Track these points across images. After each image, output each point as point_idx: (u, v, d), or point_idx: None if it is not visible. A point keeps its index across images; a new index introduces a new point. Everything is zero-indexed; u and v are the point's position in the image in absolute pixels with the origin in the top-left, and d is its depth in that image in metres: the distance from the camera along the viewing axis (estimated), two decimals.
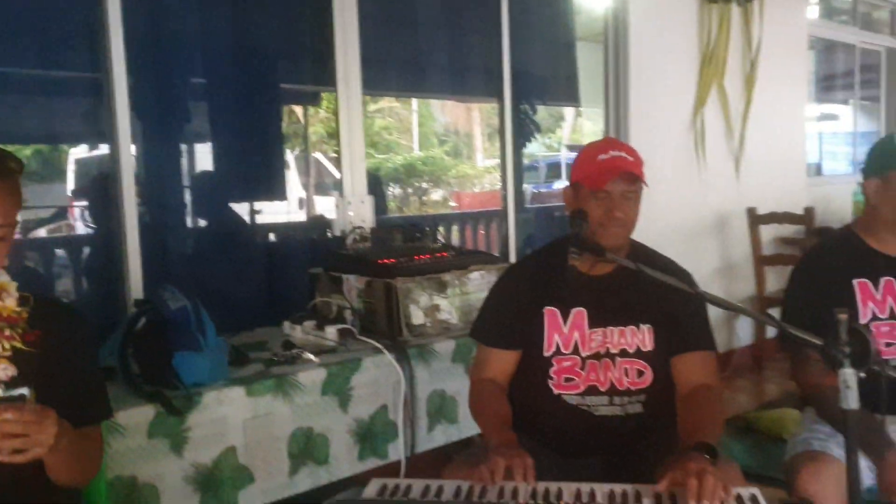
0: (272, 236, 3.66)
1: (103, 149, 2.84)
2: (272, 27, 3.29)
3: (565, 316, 2.01)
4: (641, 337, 1.99)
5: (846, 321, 1.31)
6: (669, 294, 1.87)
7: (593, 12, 4.51)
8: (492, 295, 2.20)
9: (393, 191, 13.07)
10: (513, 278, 2.17)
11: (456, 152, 16.39)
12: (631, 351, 1.99)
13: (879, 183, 2.18)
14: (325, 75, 3.35)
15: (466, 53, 3.97)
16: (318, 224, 3.76)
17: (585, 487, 1.66)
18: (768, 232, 5.04)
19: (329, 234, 3.48)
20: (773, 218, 4.83)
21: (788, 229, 5.05)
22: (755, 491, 1.64)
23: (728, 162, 4.89)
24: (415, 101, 14.06)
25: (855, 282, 2.16)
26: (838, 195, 5.72)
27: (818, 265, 2.27)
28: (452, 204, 13.27)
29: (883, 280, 2.15)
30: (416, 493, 1.70)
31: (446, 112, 17.09)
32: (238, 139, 3.25)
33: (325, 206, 9.33)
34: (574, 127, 16.85)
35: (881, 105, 6.72)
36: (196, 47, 3.05)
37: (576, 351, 2.00)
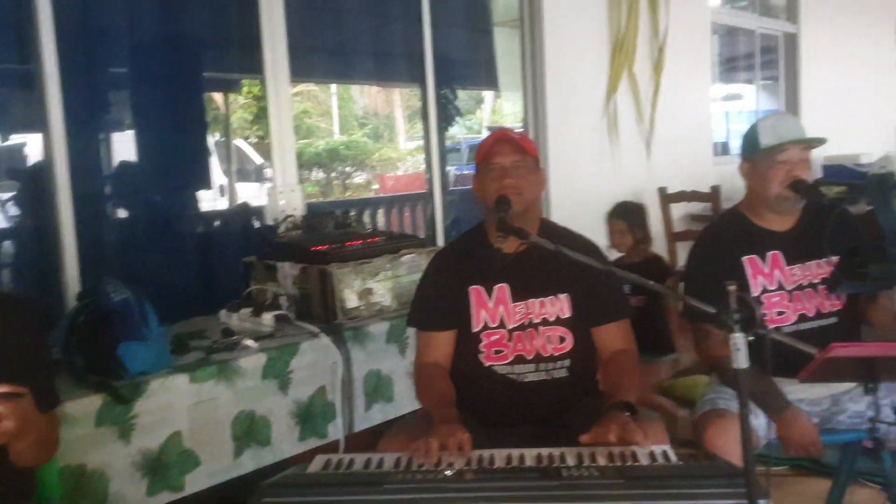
0: (204, 226, 3.70)
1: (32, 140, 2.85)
2: (198, 16, 3.34)
3: (489, 293, 2.18)
4: (560, 305, 2.17)
5: (734, 292, 1.49)
6: (582, 266, 2.06)
7: (510, 1, 4.66)
8: (422, 282, 2.36)
9: (316, 175, 13.03)
10: (439, 264, 2.33)
11: (377, 135, 16.41)
12: (551, 319, 2.16)
13: (750, 166, 2.42)
14: (252, 63, 3.41)
15: (389, 40, 4.09)
16: (249, 212, 3.82)
17: (515, 453, 1.82)
18: (678, 210, 5.31)
19: (258, 224, 3.55)
20: (682, 196, 5.10)
21: (697, 206, 5.34)
22: (667, 448, 1.83)
23: (639, 144, 5.14)
24: (334, 85, 14.04)
25: (744, 258, 2.37)
26: (738, 174, 6.04)
27: (711, 244, 2.49)
28: (375, 187, 13.33)
29: (769, 255, 2.37)
30: (359, 466, 1.82)
31: (366, 95, 17.07)
32: (164, 128, 3.30)
33: (248, 192, 9.27)
34: (494, 108, 17.08)
35: (780, 85, 7.11)
36: (124, 37, 3.08)
37: (502, 324, 2.16)
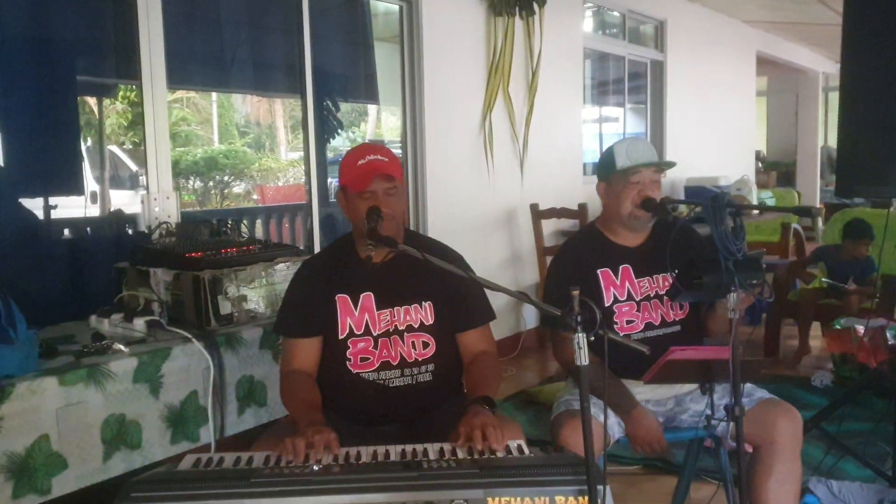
0: (75, 231, 3.63)
1: None
2: (74, 19, 3.30)
3: (355, 301, 2.28)
4: (424, 312, 2.29)
5: (578, 296, 1.65)
6: (445, 275, 2.19)
7: (390, 15, 4.78)
8: (289, 291, 2.44)
9: (193, 184, 12.72)
10: (306, 273, 2.41)
11: (258, 145, 16.16)
12: (416, 326, 2.28)
13: (605, 185, 2.62)
14: (129, 69, 3.39)
15: (269, 50, 4.12)
16: (123, 219, 3.77)
17: (381, 449, 1.92)
18: (549, 226, 5.55)
19: (130, 230, 3.52)
20: (553, 213, 5.34)
21: (567, 223, 5.60)
22: (521, 442, 1.98)
23: (514, 162, 5.35)
24: (215, 93, 13.77)
25: (599, 271, 2.57)
26: None
27: (569, 258, 2.68)
28: (255, 197, 13.12)
29: (621, 268, 2.58)
30: (228, 464, 1.88)
31: (248, 104, 16.79)
32: (33, 131, 3.22)
33: (121, 199, 8.98)
34: (377, 122, 17.16)
35: (647, 108, 7.54)
36: None
37: (367, 331, 2.26)
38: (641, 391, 2.52)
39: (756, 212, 6.95)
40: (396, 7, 4.67)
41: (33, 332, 2.36)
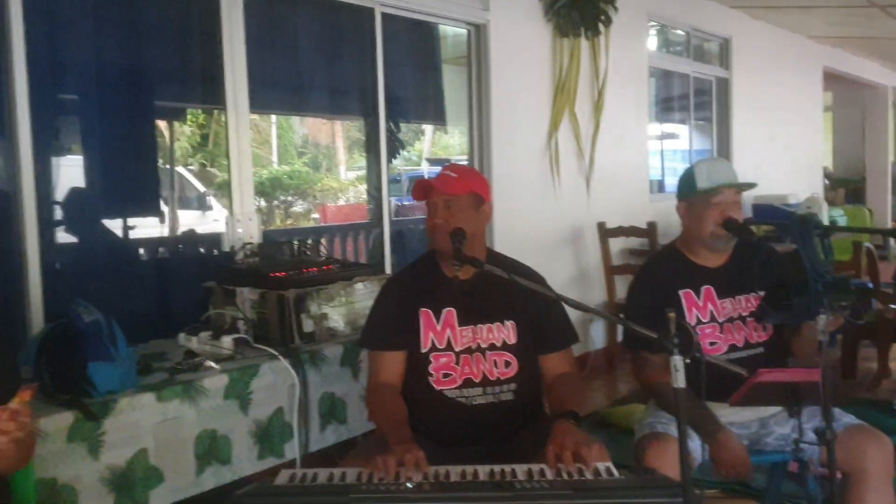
0: (161, 252, 3.77)
1: None
2: (157, 47, 3.44)
3: (437, 316, 2.33)
4: (506, 332, 2.33)
5: (675, 319, 1.66)
6: (529, 296, 2.24)
7: (458, 38, 4.85)
8: (374, 307, 2.50)
9: (258, 204, 13.04)
10: (391, 289, 2.48)
11: (315, 165, 16.45)
12: (498, 344, 2.31)
13: (686, 206, 2.63)
14: (212, 95, 3.52)
15: (344, 74, 4.23)
16: (207, 240, 3.90)
17: (469, 468, 1.95)
18: (616, 244, 5.53)
19: (215, 251, 3.63)
20: (621, 231, 5.33)
21: (634, 241, 5.58)
22: (609, 464, 1.99)
23: (580, 180, 5.36)
24: (273, 116, 14.08)
25: (681, 292, 2.57)
26: (673, 210, 6.31)
27: (651, 278, 2.69)
28: (315, 216, 13.35)
29: (703, 289, 2.57)
30: (323, 480, 1.93)
31: (306, 125, 17.12)
32: (115, 155, 3.35)
33: (189, 220, 9.23)
34: (434, 141, 17.32)
35: (713, 126, 7.47)
36: (90, 67, 3.15)
37: (449, 347, 2.30)
38: (725, 414, 2.50)
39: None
40: (465, 31, 4.73)
41: (132, 350, 2.46)
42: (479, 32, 4.71)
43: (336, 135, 17.40)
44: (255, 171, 13.05)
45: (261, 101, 3.73)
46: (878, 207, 11.35)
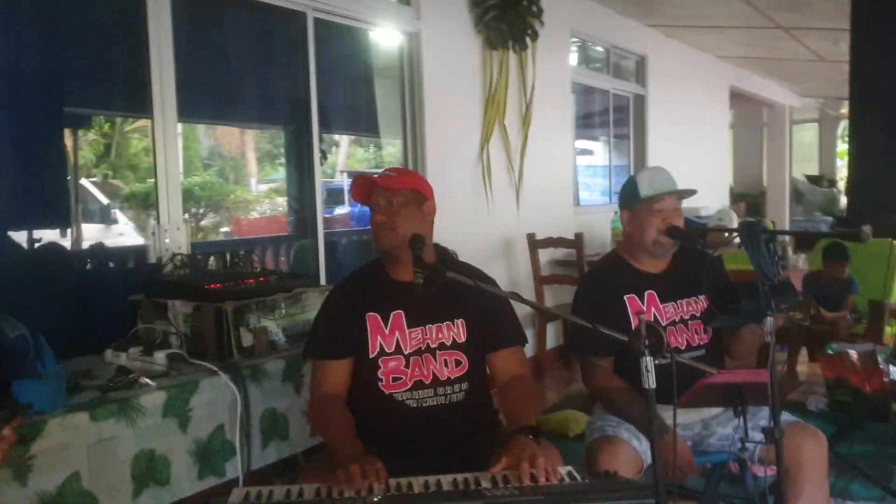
0: (81, 265, 3.58)
1: None
2: (72, 51, 3.28)
3: (385, 319, 2.28)
4: (456, 330, 2.30)
5: (646, 321, 1.67)
6: (477, 294, 2.22)
7: (390, 51, 4.82)
8: (319, 315, 2.44)
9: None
10: (335, 297, 2.42)
11: (222, 177, 16.03)
12: (448, 343, 2.28)
13: (629, 214, 2.68)
14: (138, 103, 3.37)
15: (275, 85, 4.13)
16: (131, 252, 3.73)
17: (432, 479, 1.91)
18: (545, 255, 5.61)
19: (130, 264, 3.49)
20: (549, 242, 5.40)
21: (562, 252, 5.66)
22: (570, 468, 1.99)
23: (510, 192, 5.41)
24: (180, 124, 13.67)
25: (625, 297, 2.61)
26: (597, 222, 6.48)
27: (596, 285, 2.72)
28: (224, 230, 12.99)
29: (646, 294, 2.62)
30: (280, 497, 1.86)
31: (213, 135, 16.69)
32: (21, 164, 3.17)
33: (93, 234, 8.83)
34: (349, 153, 17.16)
35: (630, 141, 7.67)
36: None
37: (398, 350, 2.26)
38: (669, 416, 2.53)
39: (736, 240, 7.07)
40: (397, 41, 4.71)
41: (61, 367, 2.31)
42: (411, 41, 4.70)
43: (246, 145, 17.02)
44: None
45: (188, 110, 3.58)
46: (778, 219, 11.89)
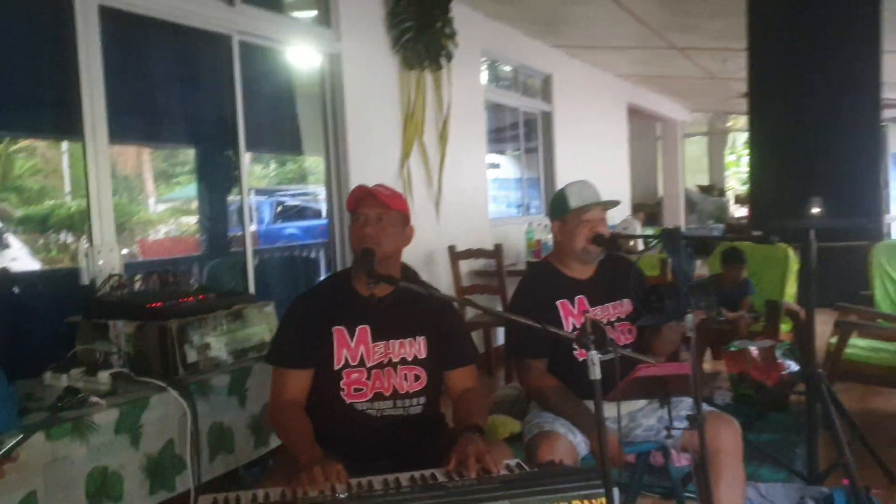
0: (9, 289, 3.53)
1: None
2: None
3: (351, 333, 2.38)
4: (417, 347, 2.43)
5: (590, 320, 1.85)
6: (438, 312, 2.39)
7: (313, 72, 4.93)
8: (283, 324, 2.52)
9: (65, 238, 12.20)
10: (300, 307, 2.50)
11: (115, 196, 15.55)
12: (409, 359, 2.41)
13: (559, 224, 2.88)
14: (68, 126, 3.37)
15: (202, 105, 4.17)
16: (61, 275, 3.70)
17: (391, 477, 2.03)
18: (465, 266, 5.79)
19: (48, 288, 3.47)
20: (469, 254, 5.59)
21: (481, 263, 5.86)
22: (518, 461, 2.15)
23: (430, 206, 5.57)
24: (65, 143, 13.28)
25: (557, 302, 2.80)
26: (512, 233, 6.72)
27: (530, 292, 2.90)
28: (124, 252, 12.63)
29: (577, 298, 2.82)
30: (247, 503, 1.94)
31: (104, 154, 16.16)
32: None
33: None
34: (251, 171, 16.98)
35: (539, 155, 7.98)
36: None
37: (361, 363, 2.37)
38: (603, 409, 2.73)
39: (641, 247, 7.44)
40: (319, 62, 4.82)
41: (14, 387, 2.32)
42: (332, 62, 4.81)
43: (144, 164, 16.61)
44: (62, 202, 12.10)
45: (118, 132, 3.58)
46: (669, 224, 12.50)
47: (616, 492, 1.85)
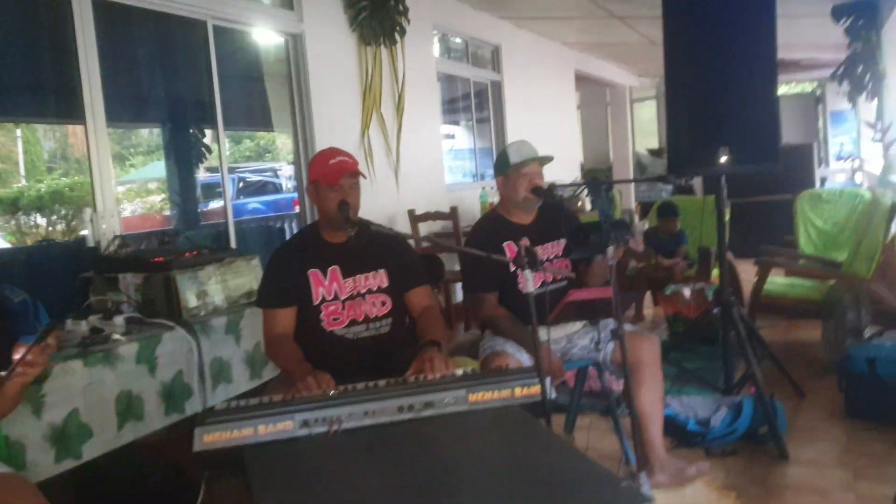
0: (24, 253, 3.94)
1: None
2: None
3: (324, 273, 2.88)
4: (380, 278, 2.93)
5: (525, 246, 2.36)
6: (393, 247, 2.92)
7: (279, 52, 5.35)
8: (267, 273, 3.00)
9: (34, 219, 12.38)
10: (280, 257, 2.97)
11: (67, 178, 15.66)
12: (374, 289, 2.91)
13: (503, 179, 3.38)
14: (69, 110, 3.78)
15: (181, 87, 4.58)
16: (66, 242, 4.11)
17: (370, 383, 2.53)
18: (424, 228, 6.26)
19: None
20: (428, 216, 6.06)
21: (439, 224, 6.35)
22: (470, 368, 2.66)
23: (390, 173, 6.05)
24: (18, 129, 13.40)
25: (504, 244, 3.30)
26: (467, 198, 7.22)
27: (481, 236, 3.38)
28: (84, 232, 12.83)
29: (521, 240, 3.31)
30: (255, 404, 2.42)
31: (55, 138, 16.23)
32: None
33: None
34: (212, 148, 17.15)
35: (490, 124, 8.48)
36: None
37: (336, 297, 2.86)
38: (541, 333, 3.25)
39: (588, 208, 7.98)
40: (282, 41, 5.25)
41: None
42: (296, 42, 5.24)
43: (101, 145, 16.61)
44: (33, 185, 12.24)
45: (113, 114, 3.97)
46: (625, 190, 13.06)
47: (548, 380, 2.37)
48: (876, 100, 7.57)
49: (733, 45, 3.73)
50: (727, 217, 6.32)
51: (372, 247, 2.88)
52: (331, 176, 2.83)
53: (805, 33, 8.00)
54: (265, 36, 5.20)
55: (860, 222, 5.55)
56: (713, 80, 3.75)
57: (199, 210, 8.71)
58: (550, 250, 3.36)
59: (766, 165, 3.74)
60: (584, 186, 3.02)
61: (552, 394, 2.38)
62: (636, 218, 12.00)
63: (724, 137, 3.72)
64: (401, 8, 5.99)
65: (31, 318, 2.65)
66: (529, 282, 2.36)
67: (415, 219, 6.09)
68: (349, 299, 2.88)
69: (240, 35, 4.92)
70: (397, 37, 5.99)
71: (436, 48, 7.33)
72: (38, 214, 12.40)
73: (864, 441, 3.52)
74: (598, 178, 2.95)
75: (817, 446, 3.55)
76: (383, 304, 2.92)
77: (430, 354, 2.60)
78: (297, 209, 5.87)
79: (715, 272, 6.00)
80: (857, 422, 3.74)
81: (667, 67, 3.86)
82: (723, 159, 3.72)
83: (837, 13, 6.67)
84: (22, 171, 15.28)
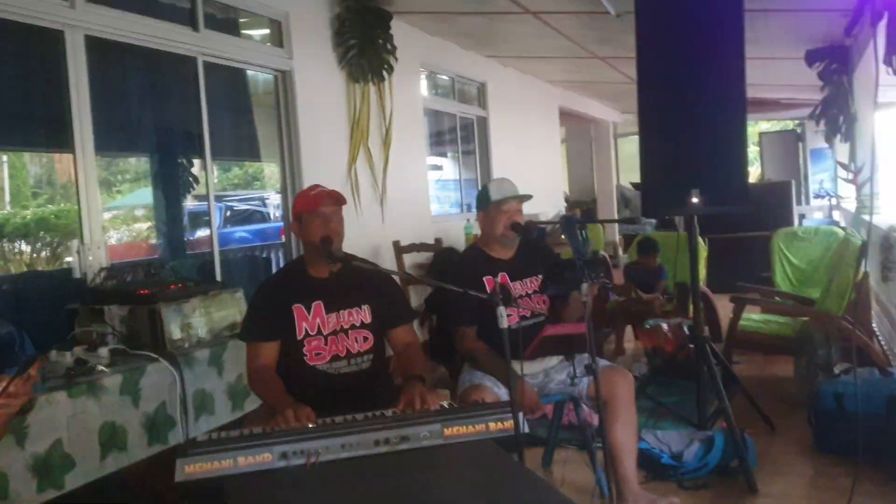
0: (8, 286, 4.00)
1: None
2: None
3: (308, 308, 2.94)
4: (363, 314, 2.99)
5: (499, 283, 2.45)
6: (378, 282, 2.99)
7: (268, 87, 5.47)
8: (251, 306, 3.07)
9: (18, 246, 12.37)
10: (266, 291, 3.04)
11: (53, 204, 15.63)
12: (357, 324, 2.97)
13: (483, 215, 3.49)
14: (59, 140, 3.86)
15: (171, 118, 4.68)
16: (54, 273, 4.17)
17: (349, 416, 2.59)
18: (409, 259, 6.36)
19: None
20: (413, 248, 6.17)
21: (424, 256, 6.45)
22: (451, 402, 2.74)
23: (376, 205, 6.15)
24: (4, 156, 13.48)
25: (484, 278, 3.39)
26: (452, 229, 7.33)
27: (461, 268, 3.49)
28: (68, 259, 12.77)
29: (500, 275, 3.40)
30: (235, 436, 2.48)
31: (42, 164, 16.23)
32: None
33: None
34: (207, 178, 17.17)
35: (476, 157, 8.61)
36: None
37: (319, 332, 2.92)
38: (517, 368, 3.33)
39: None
40: (272, 77, 5.37)
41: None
42: (286, 78, 5.36)
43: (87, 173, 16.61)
44: (16, 212, 12.20)
45: (101, 145, 4.05)
46: (608, 224, 13.24)
47: (521, 415, 2.45)
48: (849, 143, 7.76)
49: (704, 90, 3.84)
50: (705, 253, 6.50)
51: (356, 282, 2.96)
52: (311, 203, 2.91)
53: (783, 74, 8.20)
54: (255, 71, 5.31)
55: (833, 260, 5.68)
56: (685, 122, 3.85)
57: (185, 239, 8.79)
58: (529, 286, 3.45)
59: (737, 206, 3.85)
60: (557, 225, 3.11)
61: (525, 428, 2.44)
62: (620, 251, 12.14)
63: (695, 178, 3.82)
64: (389, 47, 6.13)
65: (16, 349, 2.70)
66: (503, 317, 2.44)
67: (399, 249, 6.18)
68: (332, 334, 2.94)
69: (229, 70, 5.03)
70: (385, 74, 6.11)
71: (423, 85, 7.48)
72: (23, 241, 12.41)
73: (832, 475, 3.60)
74: (571, 217, 3.05)
75: (785, 480, 3.63)
76: (365, 339, 2.98)
77: (419, 389, 2.67)
78: (283, 238, 5.94)
79: (692, 307, 6.11)
80: (826, 456, 3.83)
81: (640, 110, 3.99)
82: (694, 200, 3.83)
83: (811, 58, 6.85)
84: (7, 197, 15.28)
